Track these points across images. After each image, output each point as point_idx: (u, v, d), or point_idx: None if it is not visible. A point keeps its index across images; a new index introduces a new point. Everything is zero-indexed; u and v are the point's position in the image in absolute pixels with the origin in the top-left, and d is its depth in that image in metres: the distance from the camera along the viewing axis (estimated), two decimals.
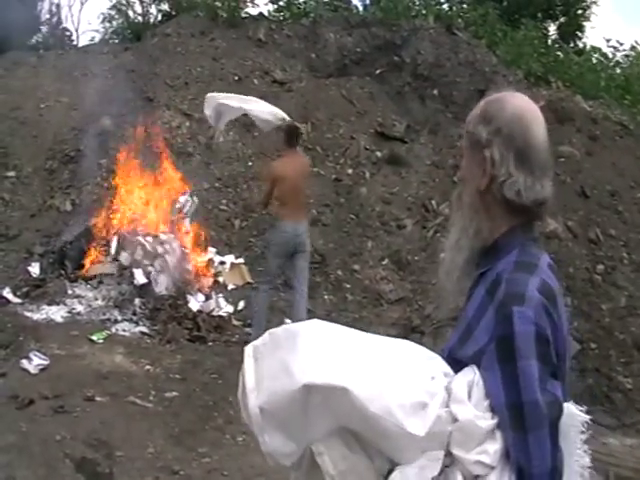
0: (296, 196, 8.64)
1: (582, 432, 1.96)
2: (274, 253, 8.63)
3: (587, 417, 1.97)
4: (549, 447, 1.87)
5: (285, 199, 8.56)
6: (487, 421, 1.87)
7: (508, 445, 1.86)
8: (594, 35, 50.30)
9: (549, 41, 18.29)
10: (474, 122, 2.13)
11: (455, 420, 1.87)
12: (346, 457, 1.95)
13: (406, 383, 1.90)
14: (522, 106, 2.11)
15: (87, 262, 9.80)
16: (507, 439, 1.86)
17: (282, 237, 8.53)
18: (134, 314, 9.01)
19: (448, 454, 1.88)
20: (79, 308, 9.05)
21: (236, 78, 13.90)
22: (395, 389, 1.88)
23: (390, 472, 1.93)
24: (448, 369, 1.99)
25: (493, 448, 1.85)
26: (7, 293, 9.38)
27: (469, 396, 1.90)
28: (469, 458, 1.85)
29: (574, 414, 1.96)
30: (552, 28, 21.06)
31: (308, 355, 1.95)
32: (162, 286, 9.51)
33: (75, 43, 22.74)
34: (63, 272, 9.81)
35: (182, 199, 10.77)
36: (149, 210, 10.61)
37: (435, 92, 14.10)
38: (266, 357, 2.05)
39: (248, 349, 2.11)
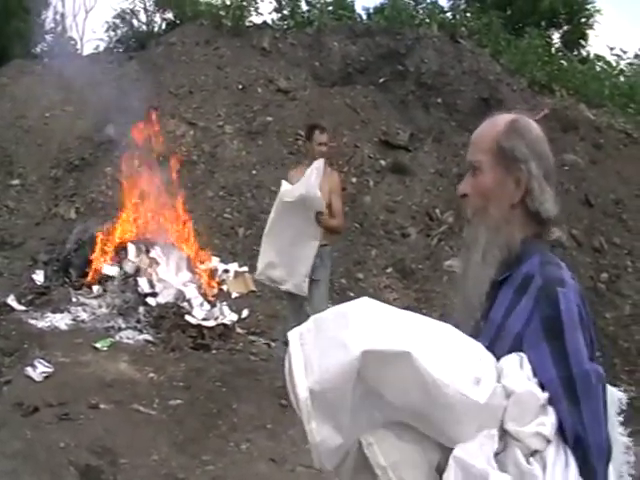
0: None
1: (619, 413, 1.98)
2: (328, 282, 7.96)
3: (624, 395, 1.99)
4: (602, 416, 1.93)
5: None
6: (542, 394, 1.87)
7: (562, 418, 1.88)
8: (598, 43, 50.33)
9: (553, 49, 18.28)
10: (505, 137, 2.18)
11: (509, 395, 1.85)
12: (398, 447, 1.89)
13: (459, 358, 1.87)
14: (539, 127, 2.24)
15: (91, 270, 9.81)
16: (560, 412, 1.89)
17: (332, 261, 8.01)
18: (138, 322, 9.01)
19: (502, 436, 1.86)
20: (83, 316, 9.05)
21: (240, 87, 13.94)
22: (453, 360, 1.85)
23: (440, 464, 1.88)
24: (490, 355, 1.97)
25: (549, 420, 1.85)
26: (12, 301, 9.38)
27: (521, 371, 1.91)
28: (527, 431, 1.83)
29: (612, 392, 2.00)
30: (556, 36, 21.08)
31: (363, 326, 1.86)
32: (166, 295, 9.52)
33: (80, 52, 22.80)
34: (67, 280, 9.82)
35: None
36: (154, 219, 10.63)
37: (439, 100, 14.11)
38: (313, 340, 1.95)
39: (293, 335, 2.00)
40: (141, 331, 8.88)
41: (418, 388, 1.81)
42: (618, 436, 1.99)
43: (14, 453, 5.86)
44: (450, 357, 1.85)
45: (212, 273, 10.62)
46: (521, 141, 2.15)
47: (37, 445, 6.00)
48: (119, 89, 13.57)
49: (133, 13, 20.19)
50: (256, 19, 16.17)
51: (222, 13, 15.61)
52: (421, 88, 14.26)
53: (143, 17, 20.15)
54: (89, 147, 12.94)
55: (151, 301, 9.31)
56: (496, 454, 1.85)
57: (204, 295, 9.89)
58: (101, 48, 20.28)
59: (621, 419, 2.00)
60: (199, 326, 9.10)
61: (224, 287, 10.52)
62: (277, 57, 14.75)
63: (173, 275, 9.93)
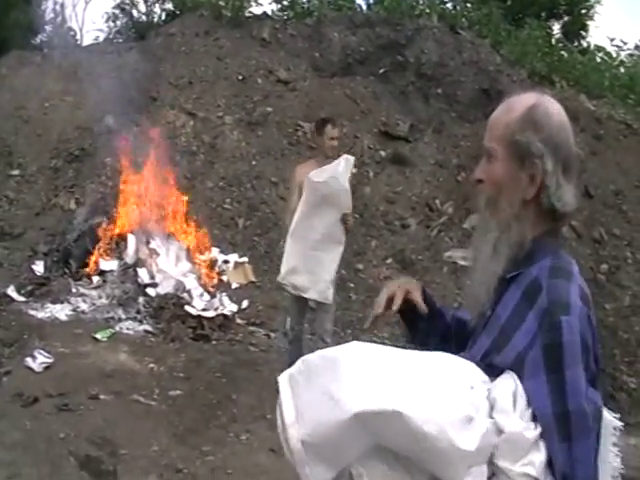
0: None
1: (614, 436, 1.95)
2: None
3: (620, 423, 1.96)
4: (592, 455, 1.88)
5: None
6: (533, 432, 1.85)
7: (552, 455, 1.85)
8: (598, 34, 50.20)
9: (553, 40, 18.17)
10: (519, 129, 2.05)
11: (500, 431, 1.85)
12: (388, 476, 1.89)
13: (450, 397, 1.86)
14: (562, 112, 2.10)
15: (91, 261, 9.81)
16: (551, 449, 1.85)
17: None
18: (138, 312, 9.01)
19: (490, 464, 1.86)
20: (83, 306, 9.06)
21: (240, 77, 13.91)
22: (443, 406, 1.83)
23: None
24: (484, 376, 1.95)
25: (539, 459, 1.83)
26: (11, 291, 9.39)
27: (514, 406, 1.88)
28: (515, 470, 1.83)
29: (608, 420, 1.96)
30: (556, 27, 21.01)
31: (353, 381, 1.85)
32: (166, 285, 9.52)
33: (79, 43, 22.74)
34: (67, 271, 9.82)
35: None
36: (153, 209, 10.61)
37: (439, 91, 14.09)
38: (304, 386, 1.94)
39: (283, 379, 2.00)
40: (141, 322, 8.88)
41: (410, 441, 1.82)
42: (609, 460, 1.96)
43: (14, 444, 5.88)
44: (440, 402, 1.84)
45: (212, 264, 10.61)
46: (537, 135, 2.02)
47: (37, 436, 6.02)
48: (119, 80, 13.54)
49: (133, 4, 20.17)
50: (256, 10, 16.12)
51: (222, 4, 15.54)
52: (421, 79, 14.23)
53: (143, 8, 20.14)
54: (89, 137, 12.92)
55: (151, 292, 9.31)
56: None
57: (204, 286, 9.89)
58: (101, 39, 20.25)
59: (615, 440, 1.97)
60: (199, 317, 9.10)
61: (224, 278, 10.51)
62: (277, 48, 14.71)
63: (173, 266, 9.93)
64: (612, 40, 18.06)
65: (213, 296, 9.75)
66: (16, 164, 12.77)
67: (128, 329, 8.69)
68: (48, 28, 22.98)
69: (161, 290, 9.38)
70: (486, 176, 2.13)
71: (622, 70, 17.47)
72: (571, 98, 13.89)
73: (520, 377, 1.92)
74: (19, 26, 18.99)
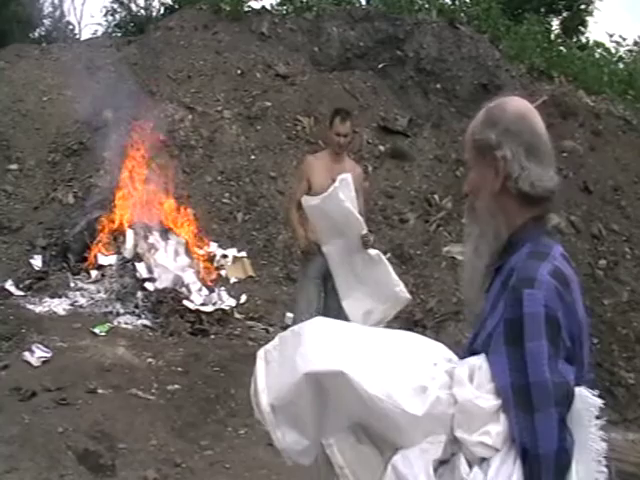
0: None
1: (597, 417, 1.91)
2: None
3: (599, 401, 1.95)
4: (555, 427, 1.86)
5: None
6: (489, 402, 1.86)
7: (512, 426, 1.86)
8: (597, 30, 50.24)
9: (552, 36, 18.20)
10: (479, 129, 2.18)
11: (457, 402, 1.89)
12: (354, 447, 1.99)
13: (408, 369, 1.94)
14: (521, 105, 2.19)
15: (90, 255, 9.80)
16: (511, 420, 1.87)
17: None
18: (136, 307, 9.00)
19: (454, 441, 1.89)
20: (81, 301, 9.05)
21: (239, 72, 13.89)
22: (395, 374, 1.92)
23: None
24: (452, 356, 2.03)
25: (495, 430, 1.85)
26: (10, 286, 9.37)
27: (471, 379, 1.91)
28: (471, 439, 1.85)
29: (586, 397, 1.93)
30: (555, 23, 21.05)
31: (309, 347, 2.02)
32: (164, 280, 9.51)
33: (78, 36, 22.73)
34: (66, 265, 9.81)
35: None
36: (152, 203, 10.60)
37: (438, 86, 14.08)
38: (276, 359, 2.14)
39: (260, 353, 2.20)
40: (139, 316, 8.88)
41: (357, 403, 1.93)
42: (590, 443, 1.94)
43: (12, 438, 5.87)
44: (393, 370, 1.94)
45: (210, 258, 10.61)
46: (492, 129, 2.13)
47: (35, 430, 6.01)
48: (117, 73, 13.55)
49: None
50: (255, 4, 16.11)
51: None
52: (420, 74, 14.21)
53: (141, 1, 20.13)
54: (87, 132, 12.89)
55: (149, 286, 9.30)
56: (452, 454, 1.91)
57: (202, 280, 9.89)
58: (99, 32, 20.27)
59: (597, 423, 1.94)
60: (197, 311, 9.10)
61: (222, 272, 10.51)
62: (276, 42, 14.68)
63: (171, 260, 9.92)
64: (611, 36, 18.19)
65: (211, 290, 9.75)
66: (14, 158, 12.74)
67: (126, 323, 8.69)
68: (47, 22, 23.00)
69: (159, 284, 9.37)
70: (467, 186, 2.25)
71: (621, 66, 17.50)
72: (570, 94, 13.89)
73: (487, 354, 1.97)
74: (18, 19, 19.00)
